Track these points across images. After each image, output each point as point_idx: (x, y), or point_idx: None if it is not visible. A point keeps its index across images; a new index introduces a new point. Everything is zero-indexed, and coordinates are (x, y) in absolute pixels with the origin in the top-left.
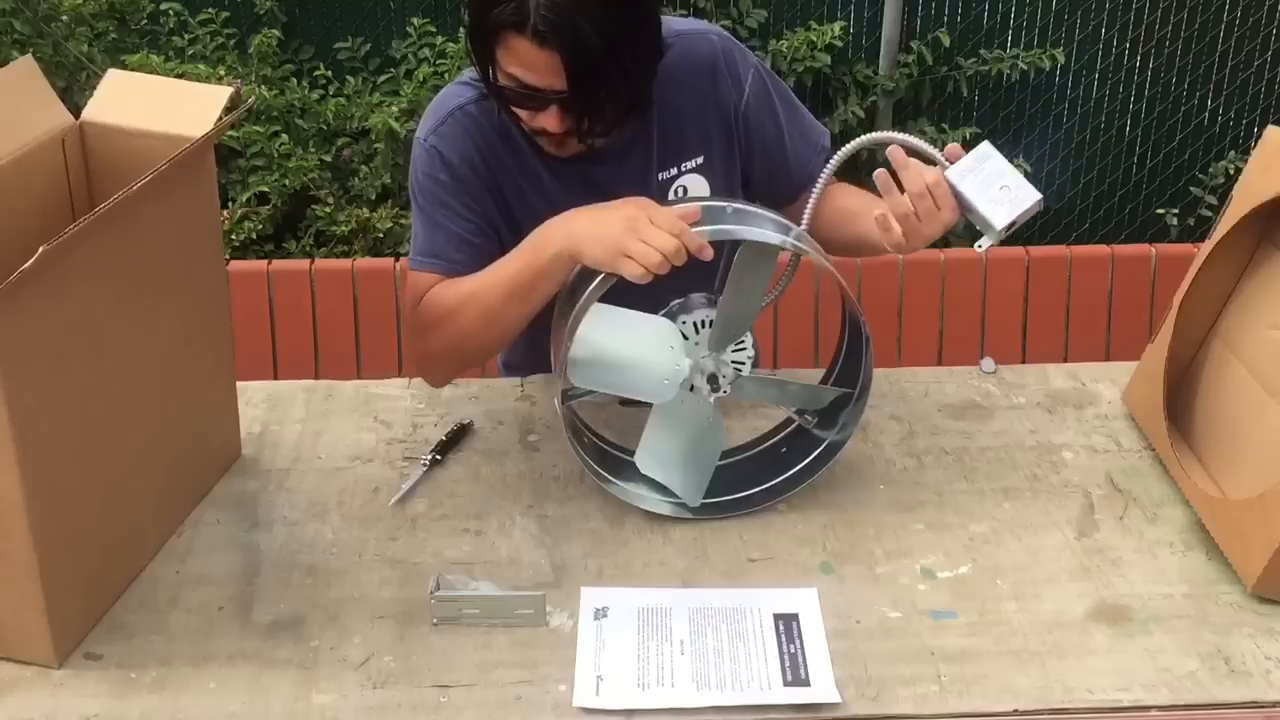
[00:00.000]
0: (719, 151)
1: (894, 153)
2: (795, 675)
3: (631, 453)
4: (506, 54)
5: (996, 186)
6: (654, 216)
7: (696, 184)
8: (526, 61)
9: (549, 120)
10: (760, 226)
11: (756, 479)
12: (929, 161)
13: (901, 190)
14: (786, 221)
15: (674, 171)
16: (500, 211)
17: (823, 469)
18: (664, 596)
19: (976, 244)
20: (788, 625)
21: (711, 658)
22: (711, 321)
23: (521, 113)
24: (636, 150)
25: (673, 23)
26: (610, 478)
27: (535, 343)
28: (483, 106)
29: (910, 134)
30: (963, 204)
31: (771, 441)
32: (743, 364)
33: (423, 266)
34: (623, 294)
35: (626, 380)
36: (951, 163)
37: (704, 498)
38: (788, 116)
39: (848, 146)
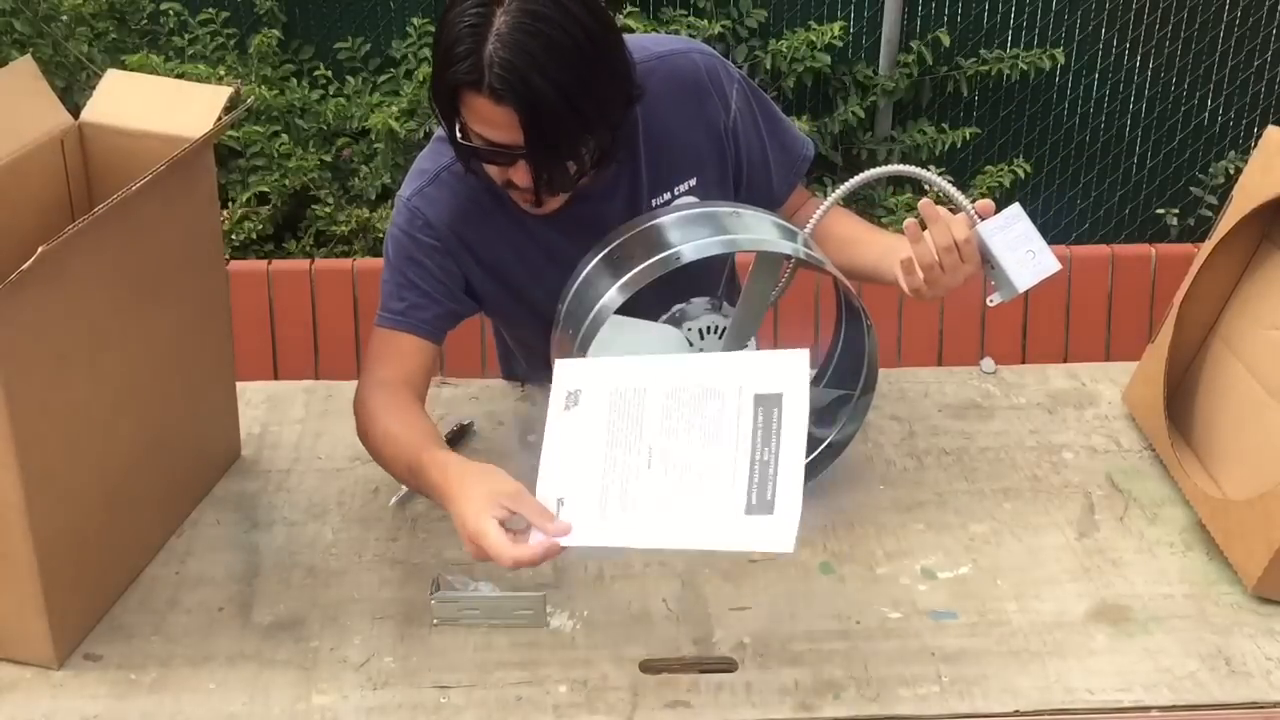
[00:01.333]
0: (712, 171)
1: (925, 206)
2: (760, 497)
3: None
4: (468, 112)
5: (1024, 249)
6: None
7: None
8: (486, 119)
9: (519, 175)
10: (764, 231)
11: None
12: (953, 207)
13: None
14: (790, 225)
15: (667, 196)
16: (486, 269)
17: (824, 469)
18: (641, 374)
19: (989, 299)
20: (767, 416)
21: (678, 471)
22: (715, 328)
23: (492, 170)
24: (623, 183)
25: (653, 44)
26: None
27: (541, 363)
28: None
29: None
30: (986, 259)
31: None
32: None
33: (386, 323)
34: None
35: None
36: (982, 217)
37: None
38: (769, 130)
39: (874, 172)
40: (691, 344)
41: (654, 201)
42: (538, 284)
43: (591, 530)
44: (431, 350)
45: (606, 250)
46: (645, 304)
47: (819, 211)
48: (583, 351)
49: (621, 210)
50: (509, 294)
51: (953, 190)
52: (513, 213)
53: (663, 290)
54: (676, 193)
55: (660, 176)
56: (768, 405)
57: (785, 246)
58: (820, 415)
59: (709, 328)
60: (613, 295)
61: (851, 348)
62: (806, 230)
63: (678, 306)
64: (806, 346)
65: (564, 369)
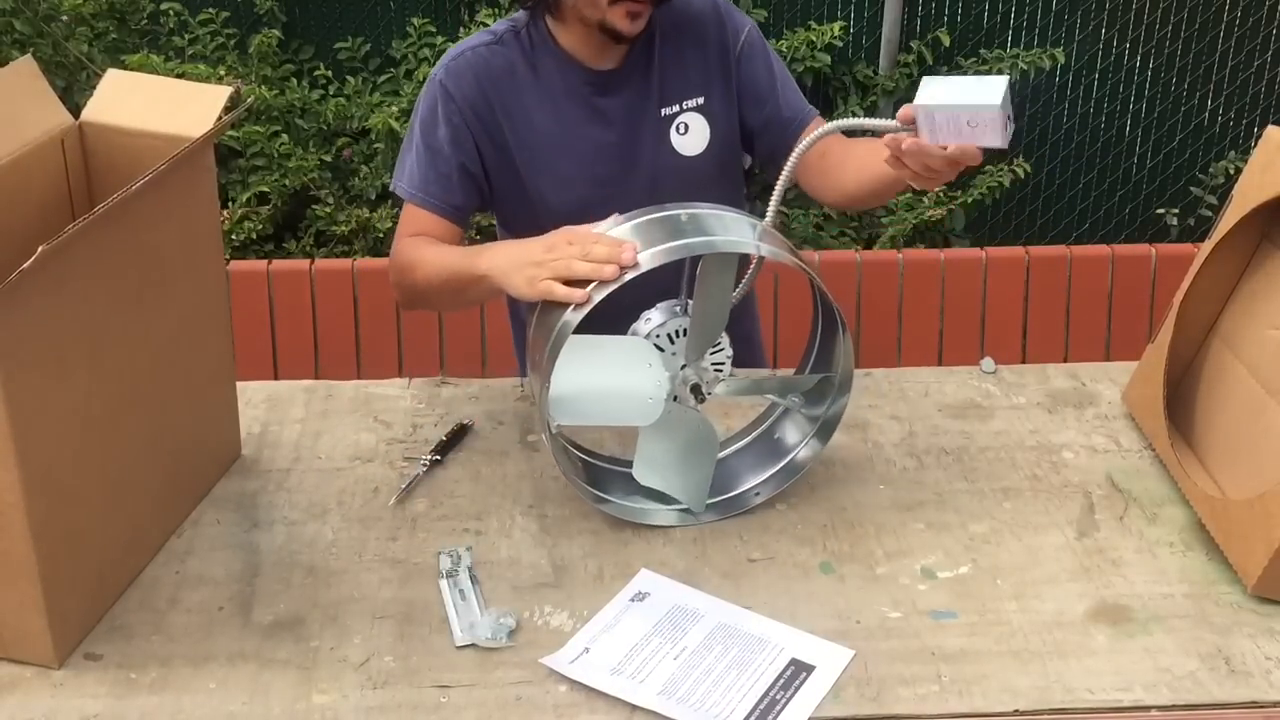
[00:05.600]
0: (718, 95)
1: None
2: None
3: (624, 463)
4: None
5: (960, 92)
6: (574, 237)
7: (697, 123)
8: None
9: None
10: (719, 230)
11: (756, 470)
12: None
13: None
14: (750, 219)
15: (676, 109)
16: (500, 145)
17: (821, 449)
18: (704, 602)
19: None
20: (795, 674)
21: (698, 673)
22: (683, 331)
23: None
24: (637, 82)
25: None
26: (606, 496)
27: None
28: (492, 49)
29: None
30: (950, 123)
31: (764, 427)
32: (722, 364)
33: (412, 199)
34: (589, 315)
35: (611, 409)
36: (909, 123)
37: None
38: (780, 71)
39: (815, 135)
40: (662, 349)
41: (664, 111)
42: (549, 169)
43: (601, 678)
44: (452, 227)
45: None
46: (609, 317)
47: (785, 170)
48: (551, 363)
49: (635, 108)
50: (518, 179)
51: (876, 121)
52: (532, 96)
53: (625, 302)
54: (685, 106)
55: (672, 88)
56: (799, 667)
57: (746, 245)
58: (807, 397)
59: (679, 331)
60: (568, 317)
61: (828, 334)
62: (766, 222)
63: (645, 314)
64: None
65: (645, 577)
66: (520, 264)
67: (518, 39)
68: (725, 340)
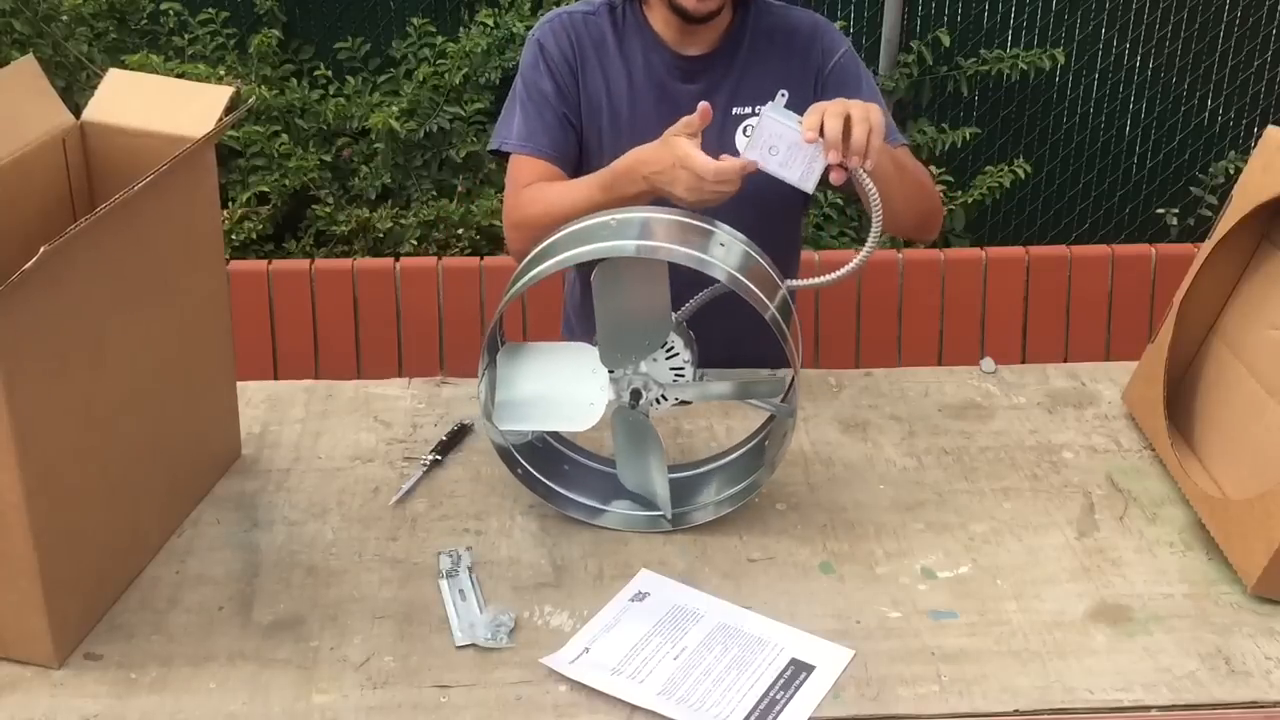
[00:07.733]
0: (793, 108)
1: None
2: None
3: (602, 461)
4: None
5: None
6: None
7: None
8: None
9: None
10: (620, 236)
11: (746, 474)
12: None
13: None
14: (705, 226)
15: (748, 110)
16: (580, 106)
17: (780, 448)
18: (704, 603)
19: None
20: (795, 674)
21: (697, 673)
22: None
23: None
24: (715, 75)
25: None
26: (598, 505)
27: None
28: (588, 18)
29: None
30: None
31: (758, 439)
32: (682, 369)
33: (522, 150)
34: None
35: (550, 413)
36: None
37: (702, 502)
38: (870, 95)
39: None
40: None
41: (735, 110)
42: (609, 139)
43: (601, 678)
44: (562, 175)
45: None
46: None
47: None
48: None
49: (705, 99)
50: (587, 141)
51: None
52: (613, 72)
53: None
54: (757, 110)
55: (748, 91)
56: (799, 667)
57: (628, 247)
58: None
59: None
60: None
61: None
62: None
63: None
64: None
65: (645, 577)
66: (683, 193)
67: (611, 14)
68: (679, 344)
